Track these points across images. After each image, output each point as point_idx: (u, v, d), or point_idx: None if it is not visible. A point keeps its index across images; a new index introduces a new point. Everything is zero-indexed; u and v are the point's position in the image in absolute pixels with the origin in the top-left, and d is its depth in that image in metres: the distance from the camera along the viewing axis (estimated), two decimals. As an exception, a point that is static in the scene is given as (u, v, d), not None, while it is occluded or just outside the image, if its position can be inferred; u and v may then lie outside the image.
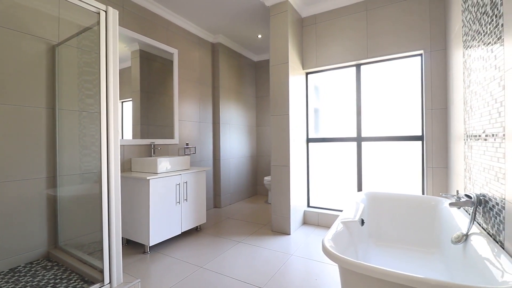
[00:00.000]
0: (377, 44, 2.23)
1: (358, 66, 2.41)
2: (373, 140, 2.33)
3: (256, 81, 4.02)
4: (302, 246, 2.02)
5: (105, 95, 1.30)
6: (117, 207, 1.33)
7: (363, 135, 2.38)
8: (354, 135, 2.42)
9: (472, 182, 1.34)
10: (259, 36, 3.19)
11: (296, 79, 2.46)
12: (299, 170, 2.50)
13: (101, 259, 1.31)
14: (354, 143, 2.42)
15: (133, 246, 2.08)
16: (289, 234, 2.25)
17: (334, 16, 2.44)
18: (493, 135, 1.06)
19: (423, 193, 2.07)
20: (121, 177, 2.01)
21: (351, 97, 2.46)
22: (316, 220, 2.50)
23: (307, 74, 2.68)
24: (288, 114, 2.31)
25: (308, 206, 2.68)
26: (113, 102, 1.30)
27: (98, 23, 1.32)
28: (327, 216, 2.44)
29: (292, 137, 2.35)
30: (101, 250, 1.31)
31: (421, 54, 2.09)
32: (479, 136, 1.22)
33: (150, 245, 1.94)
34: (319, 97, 2.75)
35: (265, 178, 3.37)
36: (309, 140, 2.68)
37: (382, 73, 2.34)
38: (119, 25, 2.20)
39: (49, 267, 1.60)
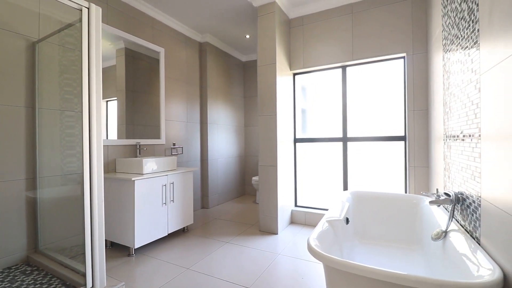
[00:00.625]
0: (362, 47, 2.28)
1: (344, 68, 2.45)
2: (358, 140, 2.38)
3: (244, 81, 4.02)
4: (290, 245, 2.04)
5: (88, 94, 1.27)
6: (100, 209, 1.30)
7: (349, 135, 2.43)
8: (340, 135, 2.46)
9: (451, 180, 1.39)
10: (247, 36, 3.19)
11: (283, 80, 2.48)
12: (286, 170, 2.52)
13: (84, 262, 1.28)
14: (340, 143, 2.46)
15: (118, 249, 2.03)
16: (277, 234, 2.27)
17: (320, 18, 2.47)
18: (469, 136, 1.11)
19: (405, 192, 2.13)
20: (105, 178, 1.95)
21: (337, 98, 2.50)
22: (303, 219, 2.53)
23: (294, 75, 2.70)
24: (276, 115, 2.32)
25: (296, 205, 2.70)
26: (95, 101, 1.27)
27: (80, 20, 1.29)
28: (314, 215, 2.47)
29: (280, 138, 2.37)
30: (84, 253, 1.27)
31: (404, 57, 2.15)
32: (457, 136, 1.27)
33: (135, 247, 1.90)
34: (306, 97, 2.78)
35: (253, 178, 3.37)
36: (296, 140, 2.70)
37: (367, 74, 2.39)
38: (103, 22, 2.15)
39: (29, 272, 1.54)
